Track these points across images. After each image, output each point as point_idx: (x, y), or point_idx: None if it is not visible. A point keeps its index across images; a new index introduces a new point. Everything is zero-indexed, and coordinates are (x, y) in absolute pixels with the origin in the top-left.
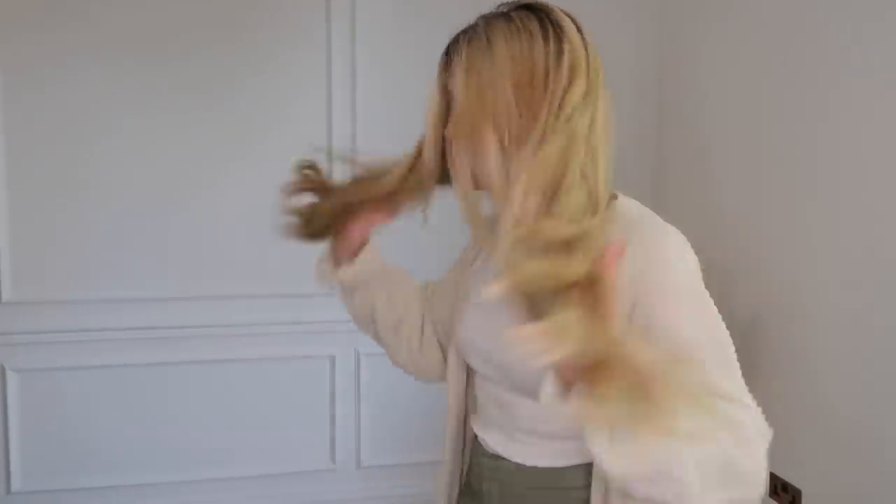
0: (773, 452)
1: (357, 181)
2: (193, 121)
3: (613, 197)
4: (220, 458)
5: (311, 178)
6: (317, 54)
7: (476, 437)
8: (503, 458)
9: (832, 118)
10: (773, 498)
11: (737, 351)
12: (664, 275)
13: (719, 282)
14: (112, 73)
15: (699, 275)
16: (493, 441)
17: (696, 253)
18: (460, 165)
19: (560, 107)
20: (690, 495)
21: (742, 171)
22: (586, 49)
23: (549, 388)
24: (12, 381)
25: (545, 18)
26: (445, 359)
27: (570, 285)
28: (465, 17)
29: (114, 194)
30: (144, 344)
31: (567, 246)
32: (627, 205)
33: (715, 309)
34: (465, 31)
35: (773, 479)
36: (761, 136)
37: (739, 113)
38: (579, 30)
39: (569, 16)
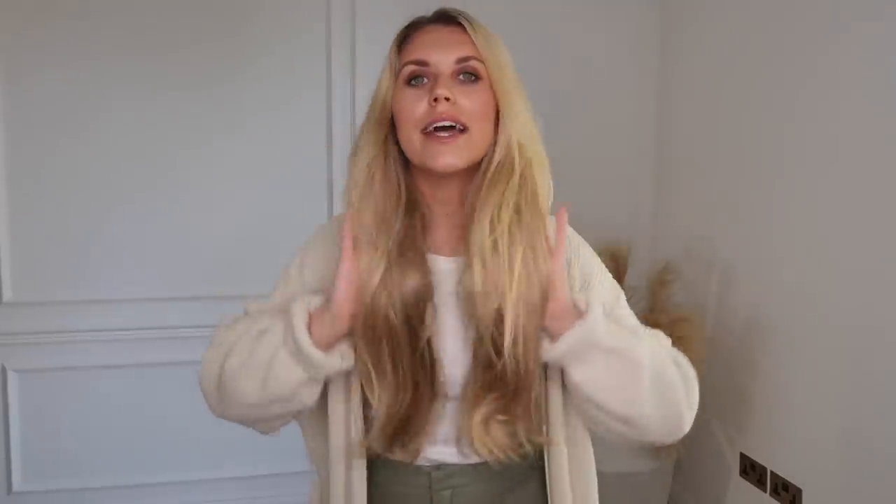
0: (774, 451)
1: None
2: (194, 122)
3: None
4: (220, 458)
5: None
6: (316, 52)
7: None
8: (456, 464)
9: (834, 117)
10: (774, 497)
11: (737, 350)
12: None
13: (719, 281)
14: (112, 75)
15: None
16: (446, 453)
17: (697, 251)
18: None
19: None
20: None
21: (742, 171)
22: None
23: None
24: (13, 381)
25: None
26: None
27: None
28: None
29: (114, 195)
30: (144, 344)
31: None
32: None
33: None
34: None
35: (774, 477)
36: (762, 135)
37: (740, 112)
38: None
39: None
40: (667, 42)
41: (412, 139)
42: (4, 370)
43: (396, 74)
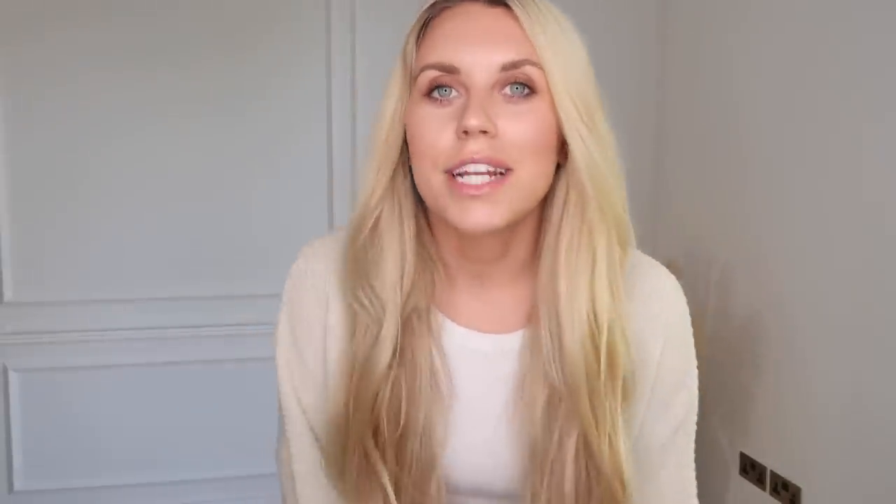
0: (774, 450)
1: None
2: (194, 122)
3: None
4: (220, 458)
5: None
6: (317, 57)
7: None
8: None
9: (834, 116)
10: (773, 496)
11: (736, 349)
12: (689, 337)
13: (719, 280)
14: (113, 76)
15: None
16: None
17: (697, 251)
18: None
19: None
20: None
21: (742, 170)
22: None
23: None
24: (14, 381)
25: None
26: None
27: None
28: None
29: (114, 196)
30: (144, 344)
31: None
32: None
33: None
34: None
35: (774, 476)
36: (762, 134)
37: (740, 112)
38: None
39: None
40: (666, 41)
41: (430, 181)
42: (5, 370)
43: (413, 79)
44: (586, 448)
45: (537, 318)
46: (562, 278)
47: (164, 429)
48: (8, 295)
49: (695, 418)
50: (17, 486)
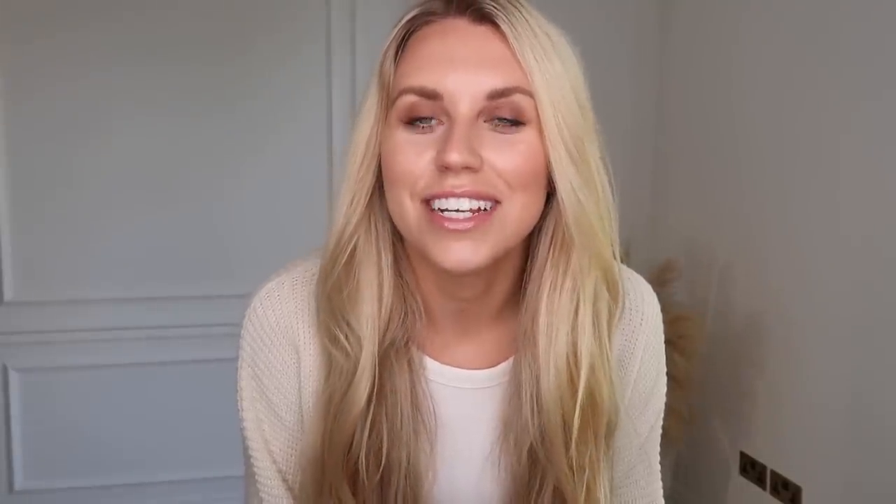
0: (774, 450)
1: None
2: (194, 123)
3: None
4: (220, 457)
5: None
6: (317, 57)
7: None
8: None
9: (834, 114)
10: (774, 495)
11: (737, 349)
12: (661, 344)
13: (719, 280)
14: (114, 74)
15: None
16: None
17: (697, 251)
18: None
19: None
20: None
21: (742, 169)
22: None
23: None
24: (14, 380)
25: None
26: None
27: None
28: None
29: (115, 195)
30: (145, 343)
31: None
32: None
33: None
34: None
35: (774, 476)
36: (761, 134)
37: (739, 111)
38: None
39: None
40: (666, 41)
41: (406, 211)
42: (6, 369)
43: (390, 103)
44: (561, 499)
45: (519, 355)
46: (542, 321)
47: (164, 428)
48: (8, 295)
49: (661, 422)
50: (18, 485)
